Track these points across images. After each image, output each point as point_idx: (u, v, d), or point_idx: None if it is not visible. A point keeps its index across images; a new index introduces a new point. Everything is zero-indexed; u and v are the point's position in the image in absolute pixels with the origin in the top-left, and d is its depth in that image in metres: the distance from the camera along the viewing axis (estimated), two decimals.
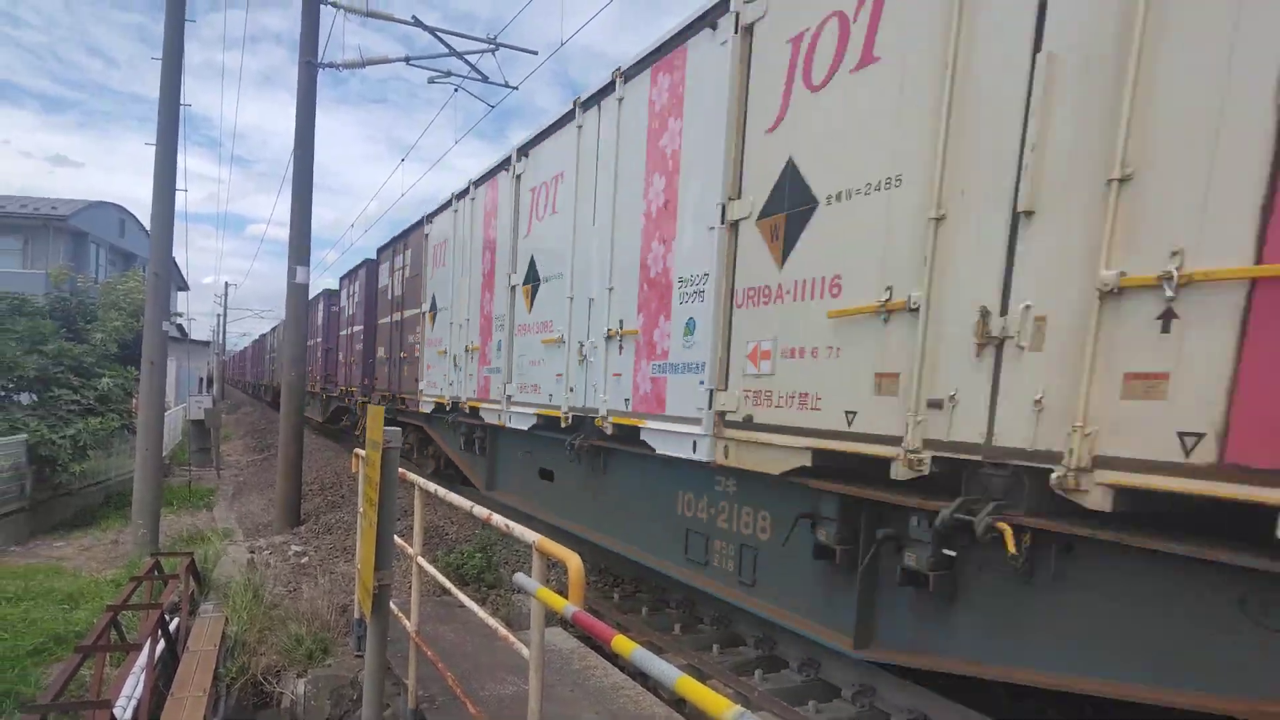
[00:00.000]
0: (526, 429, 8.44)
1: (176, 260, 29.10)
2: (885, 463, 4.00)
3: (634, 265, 6.37)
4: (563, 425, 7.50)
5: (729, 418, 5.14)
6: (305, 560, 9.90)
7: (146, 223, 12.33)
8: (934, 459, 3.79)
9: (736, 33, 5.17)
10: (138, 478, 11.49)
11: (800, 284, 4.65)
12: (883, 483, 4.10)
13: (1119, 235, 3.08)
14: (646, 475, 6.65)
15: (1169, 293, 2.91)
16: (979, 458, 3.59)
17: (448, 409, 11.07)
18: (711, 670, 5.71)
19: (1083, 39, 3.26)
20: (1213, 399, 2.79)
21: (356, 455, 5.83)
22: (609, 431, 6.64)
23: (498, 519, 3.80)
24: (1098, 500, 3.12)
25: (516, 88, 14.64)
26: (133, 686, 5.76)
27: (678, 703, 4.89)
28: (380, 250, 16.52)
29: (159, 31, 11.59)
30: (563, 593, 2.95)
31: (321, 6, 12.55)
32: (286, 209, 12.79)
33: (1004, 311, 3.50)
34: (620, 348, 6.53)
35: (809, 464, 4.52)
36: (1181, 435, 2.87)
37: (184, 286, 41.03)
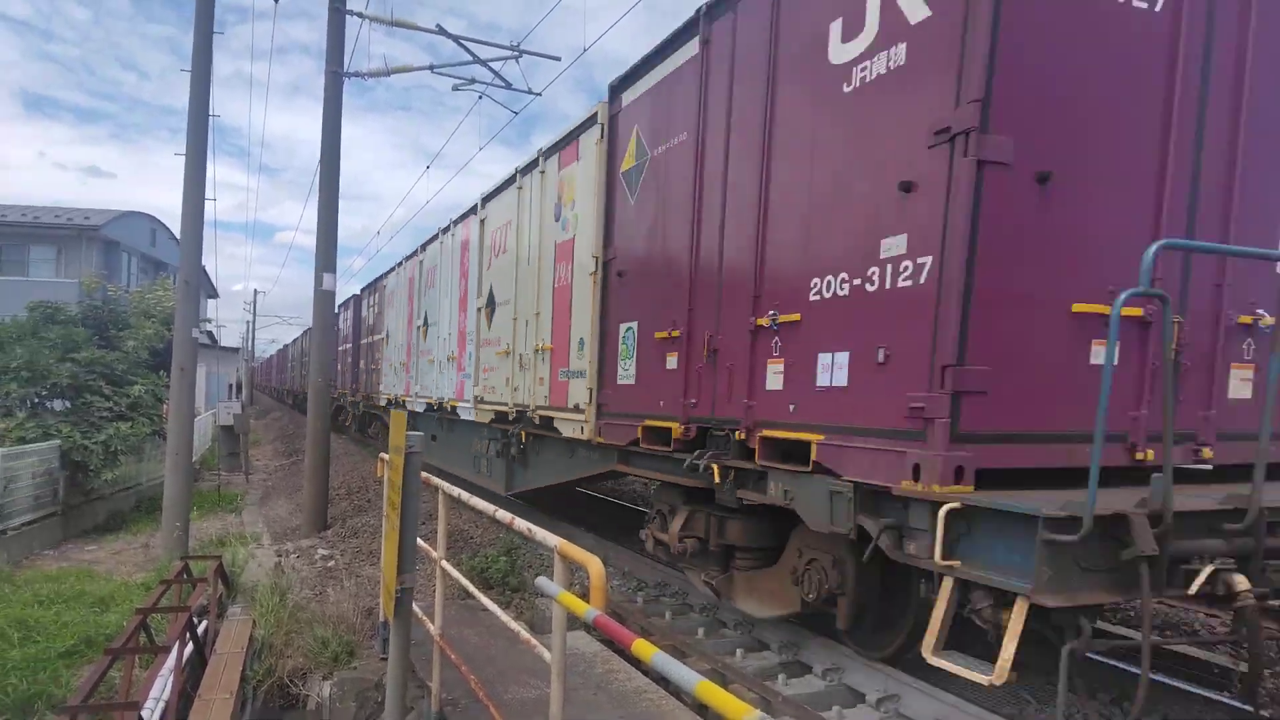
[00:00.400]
0: (422, 411, 14.43)
1: (206, 268, 29.51)
2: (507, 414, 9.80)
3: (456, 323, 12.48)
4: (435, 408, 13.55)
5: (478, 398, 10.96)
6: (331, 564, 9.98)
7: (177, 232, 12.49)
8: (516, 411, 9.51)
9: (480, 221, 11.31)
10: (168, 482, 11.63)
11: (494, 339, 10.55)
12: (508, 422, 9.95)
13: (528, 335, 9.28)
14: (464, 432, 12.43)
15: (527, 354, 9.21)
16: (524, 409, 9.18)
17: (393, 403, 16.89)
18: (735, 675, 5.69)
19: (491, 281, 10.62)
20: (537, 385, 8.98)
21: (382, 459, 5.87)
22: (449, 409, 12.63)
23: (520, 523, 3.81)
24: (534, 422, 8.97)
25: (540, 94, 14.73)
26: (161, 688, 5.83)
27: (700, 707, 4.87)
28: (363, 289, 22.52)
29: (189, 44, 11.76)
30: (585, 597, 2.95)
31: (347, 17, 12.68)
32: (314, 217, 12.93)
33: (522, 350, 9.33)
34: (452, 365, 12.56)
35: (494, 417, 10.43)
36: (532, 399, 9.08)
37: (214, 294, 41.51)
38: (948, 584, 4.06)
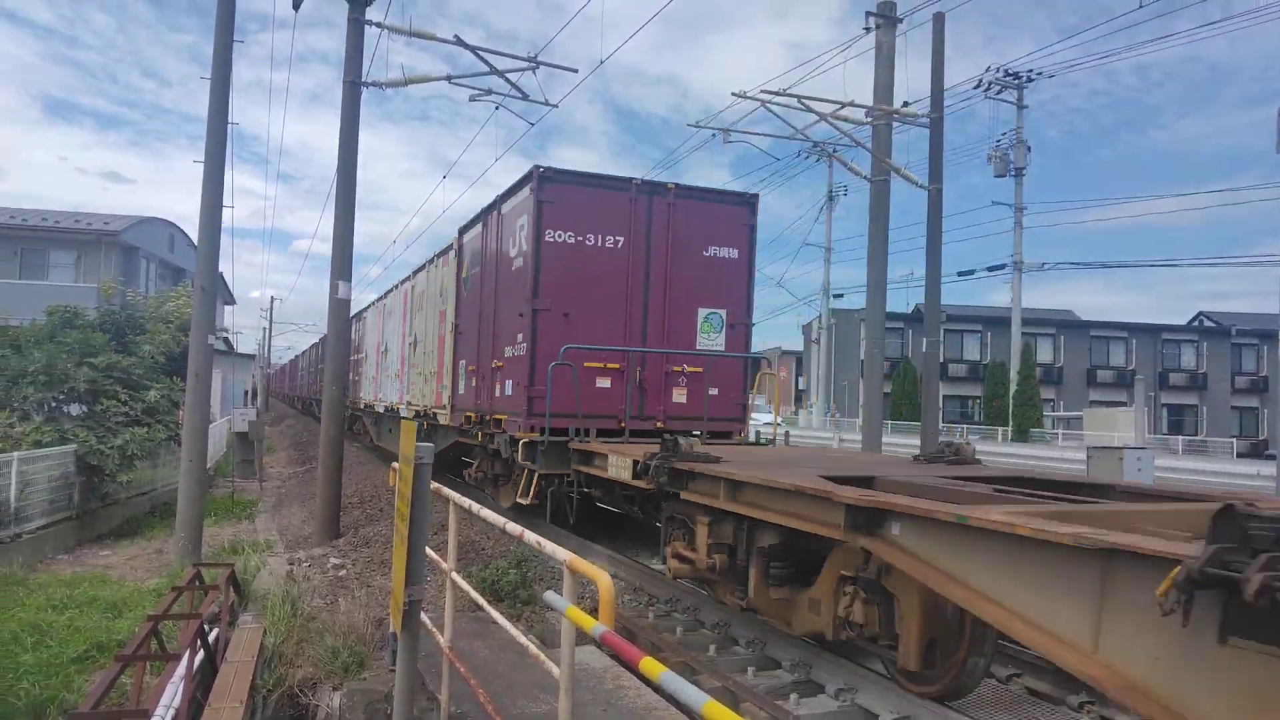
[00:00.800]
0: (382, 411, 20.29)
1: (223, 274, 29.77)
2: (420, 411, 15.61)
3: (399, 352, 18.32)
4: (389, 410, 19.01)
5: (408, 402, 16.74)
6: (343, 573, 9.97)
7: (195, 238, 12.58)
8: (424, 409, 15.38)
9: (412, 286, 17.78)
10: (181, 488, 11.67)
11: (416, 364, 16.63)
12: (421, 416, 15.45)
13: (429, 363, 15.71)
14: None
15: (428, 375, 15.49)
16: (428, 408, 15.17)
17: (369, 406, 22.77)
18: (745, 694, 5.63)
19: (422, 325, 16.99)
20: (432, 394, 15.36)
21: (393, 469, 5.86)
22: (395, 410, 17.88)
23: (530, 536, 3.78)
24: (431, 416, 15.06)
25: (556, 105, 14.73)
26: (171, 696, 5.82)
27: None
28: (352, 316, 32.71)
29: (210, 51, 11.86)
30: (595, 611, 2.92)
31: (366, 27, 12.76)
32: (330, 225, 12.99)
33: (427, 373, 15.52)
34: (398, 380, 18.19)
35: (414, 414, 15.85)
36: (431, 402, 15.43)
37: (231, 300, 41.80)
38: (527, 472, 9.93)
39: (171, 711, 5.68)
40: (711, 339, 10.85)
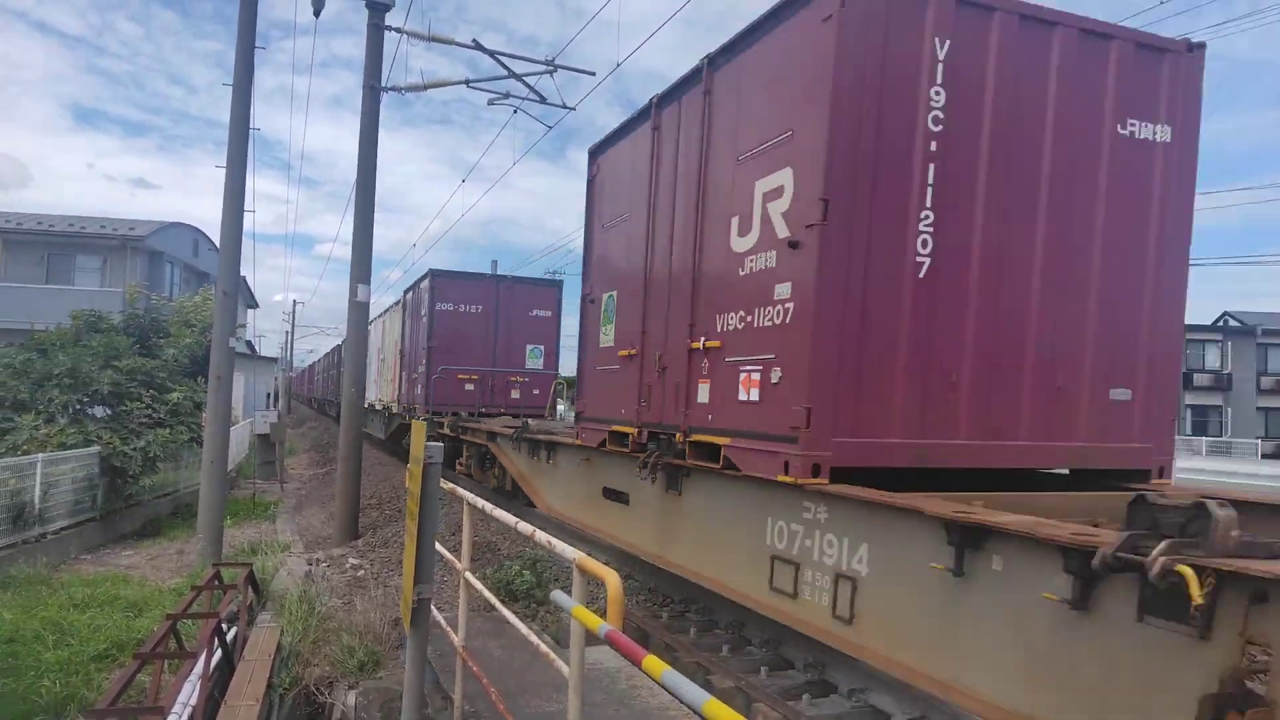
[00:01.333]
0: (366, 407, 20.75)
1: (246, 278, 30.08)
2: (386, 405, 23.58)
3: (375, 364, 25.31)
4: (372, 406, 24.34)
5: (380, 400, 24.25)
6: (361, 573, 10.04)
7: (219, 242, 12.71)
8: (388, 404, 22.70)
9: (383, 321, 25.58)
10: (203, 489, 11.79)
11: (384, 373, 24.12)
12: (385, 408, 24.15)
13: (388, 373, 25.44)
14: (378, 414, 24.79)
15: (388, 380, 25.08)
16: (390, 403, 22.47)
17: (373, 406, 24.87)
18: (758, 694, 5.62)
19: None
20: (390, 393, 24.09)
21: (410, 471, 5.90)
22: (376, 406, 24.61)
23: (541, 536, 3.80)
24: (390, 407, 23.31)
25: (574, 108, 14.80)
26: (188, 694, 5.88)
27: None
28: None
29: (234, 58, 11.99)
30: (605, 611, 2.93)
31: (385, 32, 12.86)
32: (351, 229, 13.08)
33: (387, 380, 24.27)
34: (377, 384, 24.93)
35: (382, 408, 24.34)
36: (390, 399, 23.47)
37: (254, 304, 42.19)
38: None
39: (188, 709, 5.74)
40: (534, 362, 18.25)
